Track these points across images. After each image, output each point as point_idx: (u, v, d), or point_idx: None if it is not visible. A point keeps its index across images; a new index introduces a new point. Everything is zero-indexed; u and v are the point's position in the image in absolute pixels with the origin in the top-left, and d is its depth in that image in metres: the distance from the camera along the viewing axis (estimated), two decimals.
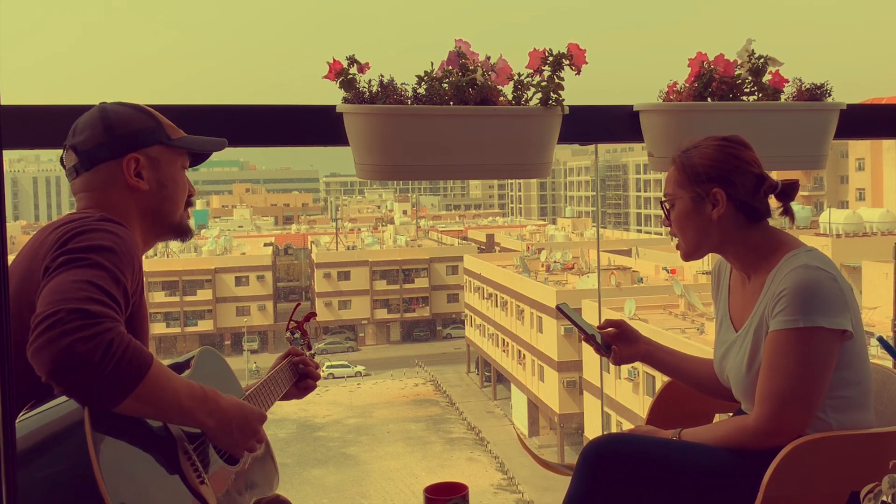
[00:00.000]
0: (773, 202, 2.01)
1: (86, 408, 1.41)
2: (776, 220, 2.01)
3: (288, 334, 2.21)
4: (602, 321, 2.24)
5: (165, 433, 1.56)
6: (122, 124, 1.77)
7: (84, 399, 1.40)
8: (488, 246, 59.84)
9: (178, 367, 1.74)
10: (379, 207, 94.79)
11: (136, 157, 1.77)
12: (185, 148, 1.86)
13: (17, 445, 1.04)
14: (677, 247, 2.04)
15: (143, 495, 1.47)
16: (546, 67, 2.25)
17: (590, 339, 2.20)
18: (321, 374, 2.22)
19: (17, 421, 1.30)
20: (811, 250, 1.92)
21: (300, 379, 2.12)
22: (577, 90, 2.36)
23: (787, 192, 2.00)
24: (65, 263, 1.49)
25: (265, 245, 60.56)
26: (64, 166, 1.80)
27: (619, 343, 2.21)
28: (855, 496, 1.71)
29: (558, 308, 2.26)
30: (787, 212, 2.02)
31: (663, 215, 2.04)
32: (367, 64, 2.20)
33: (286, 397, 2.09)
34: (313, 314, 2.34)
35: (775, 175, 2.06)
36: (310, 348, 2.22)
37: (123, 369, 1.39)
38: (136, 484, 1.46)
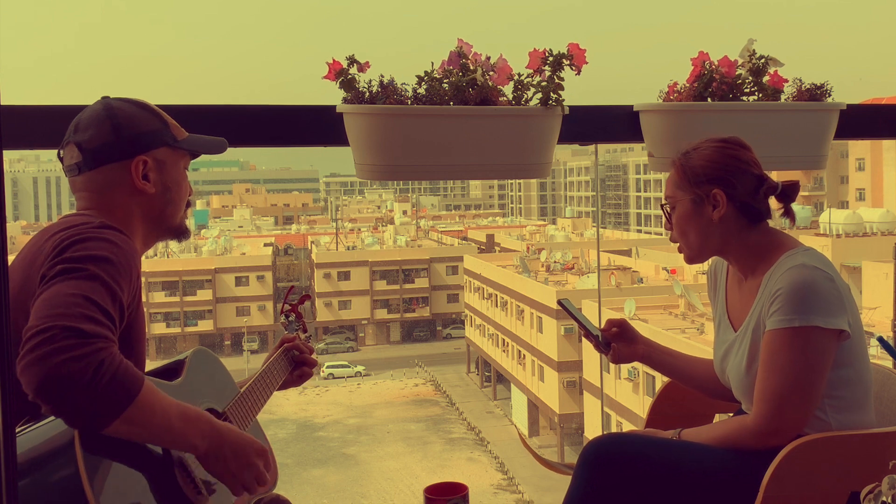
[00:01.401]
0: (773, 203, 2.00)
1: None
2: (776, 221, 2.01)
3: (283, 318, 2.17)
4: (604, 322, 2.24)
5: (160, 450, 1.53)
6: (131, 124, 1.73)
7: (71, 420, 1.37)
8: (488, 246, 59.83)
9: (172, 369, 1.72)
10: (379, 207, 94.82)
11: (143, 159, 1.73)
12: (189, 149, 1.83)
13: None
14: (680, 250, 2.04)
15: None
16: (546, 67, 2.24)
17: (590, 335, 2.21)
18: (317, 360, 2.19)
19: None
20: (808, 250, 1.92)
21: (296, 367, 2.10)
22: (577, 90, 2.36)
23: (788, 193, 2.00)
24: (61, 273, 1.46)
25: (265, 245, 60.57)
26: (62, 161, 1.75)
27: (618, 342, 2.21)
28: (855, 496, 1.71)
29: (559, 303, 2.26)
30: (788, 213, 2.02)
31: (665, 219, 2.04)
32: (367, 63, 2.20)
33: (283, 387, 2.06)
34: (307, 296, 2.28)
35: (776, 176, 2.06)
36: (305, 330, 2.19)
37: (113, 391, 1.36)
38: (130, 501, 1.44)
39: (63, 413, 1.36)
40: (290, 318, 2.17)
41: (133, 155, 1.72)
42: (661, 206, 2.05)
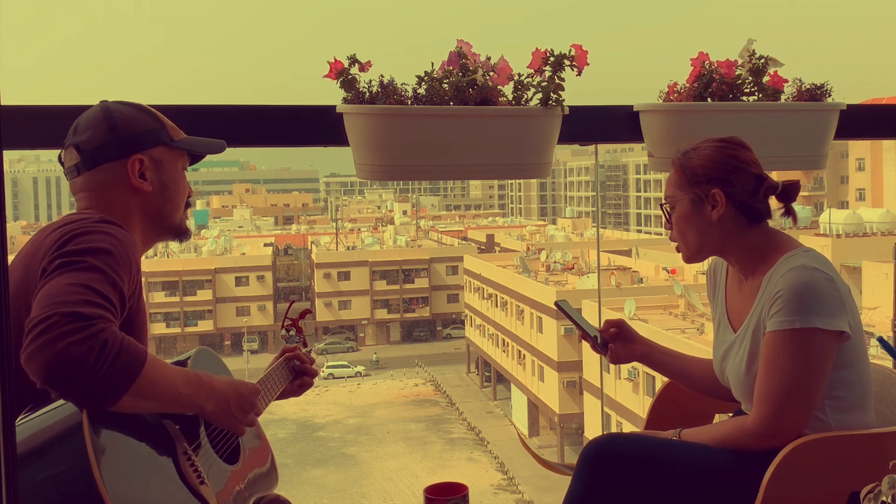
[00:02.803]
0: (773, 203, 2.00)
1: (84, 410, 1.41)
2: (777, 221, 2.01)
3: (283, 332, 2.20)
4: (603, 323, 2.24)
5: (164, 434, 1.56)
6: (127, 125, 1.76)
7: (82, 401, 1.40)
8: (488, 246, 59.84)
9: None
10: (379, 207, 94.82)
11: (140, 158, 1.75)
12: (186, 149, 1.85)
13: (17, 448, 1.04)
14: (678, 249, 2.04)
15: (143, 496, 1.47)
16: (547, 67, 2.24)
17: (587, 336, 2.20)
18: (318, 370, 2.21)
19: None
20: (808, 251, 1.92)
21: (297, 376, 2.11)
22: (577, 90, 2.36)
23: (788, 192, 1.99)
24: (61, 266, 1.48)
25: (265, 245, 60.58)
26: (62, 164, 1.78)
27: (617, 342, 2.21)
28: (855, 496, 1.71)
29: (557, 305, 2.26)
30: (789, 212, 2.02)
31: (664, 219, 2.04)
32: (369, 63, 2.20)
33: (283, 396, 2.08)
34: (308, 311, 2.33)
35: (776, 176, 2.06)
36: (305, 345, 2.21)
37: (119, 368, 1.39)
38: (137, 485, 1.46)
39: (73, 396, 1.39)
40: (291, 333, 2.20)
41: (129, 154, 1.75)
42: (661, 205, 2.05)
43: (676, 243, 2.03)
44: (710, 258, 2.11)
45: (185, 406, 1.54)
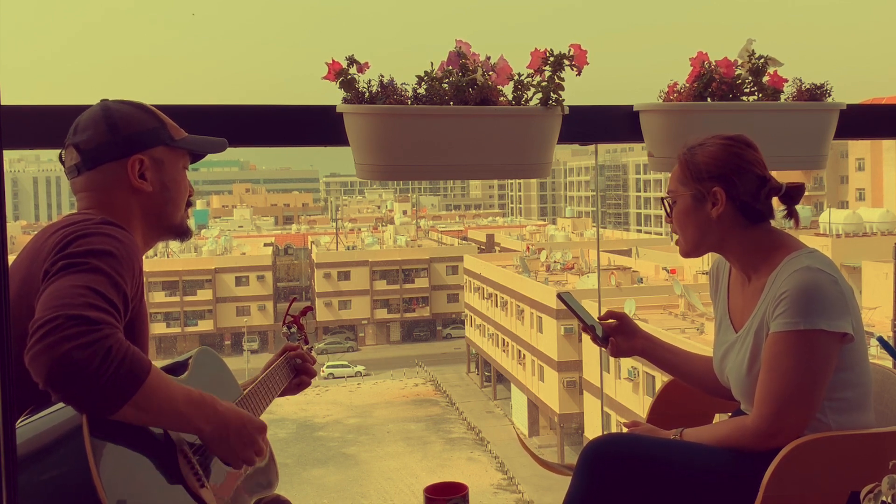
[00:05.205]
0: (776, 204, 2.00)
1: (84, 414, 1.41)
2: (779, 223, 2.01)
3: (284, 329, 2.20)
4: (605, 311, 2.24)
5: (164, 437, 1.56)
6: (127, 124, 1.75)
7: (81, 406, 1.39)
8: (488, 246, 59.82)
9: (176, 368, 1.73)
10: (379, 207, 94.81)
11: (140, 158, 1.75)
12: (187, 149, 1.85)
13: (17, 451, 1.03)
14: (677, 243, 2.04)
15: (142, 500, 1.46)
16: (547, 67, 2.25)
17: (588, 329, 2.20)
18: (318, 370, 2.21)
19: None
20: (813, 252, 1.92)
21: (296, 375, 2.11)
22: (578, 90, 2.36)
23: (792, 195, 1.99)
24: (64, 268, 1.48)
25: (265, 245, 60.58)
26: (63, 163, 1.78)
27: (618, 336, 2.21)
28: (855, 496, 1.71)
29: (559, 296, 2.26)
30: (792, 214, 2.02)
31: (665, 212, 2.04)
32: (367, 63, 2.20)
33: (283, 394, 2.08)
34: (309, 308, 2.32)
35: (777, 176, 2.06)
36: (307, 342, 2.21)
37: (122, 377, 1.38)
38: (136, 489, 1.46)
39: (73, 400, 1.38)
40: (293, 330, 2.20)
41: (129, 154, 1.74)
42: (662, 199, 2.05)
43: (677, 237, 2.04)
44: (714, 257, 2.11)
45: (183, 424, 1.52)
